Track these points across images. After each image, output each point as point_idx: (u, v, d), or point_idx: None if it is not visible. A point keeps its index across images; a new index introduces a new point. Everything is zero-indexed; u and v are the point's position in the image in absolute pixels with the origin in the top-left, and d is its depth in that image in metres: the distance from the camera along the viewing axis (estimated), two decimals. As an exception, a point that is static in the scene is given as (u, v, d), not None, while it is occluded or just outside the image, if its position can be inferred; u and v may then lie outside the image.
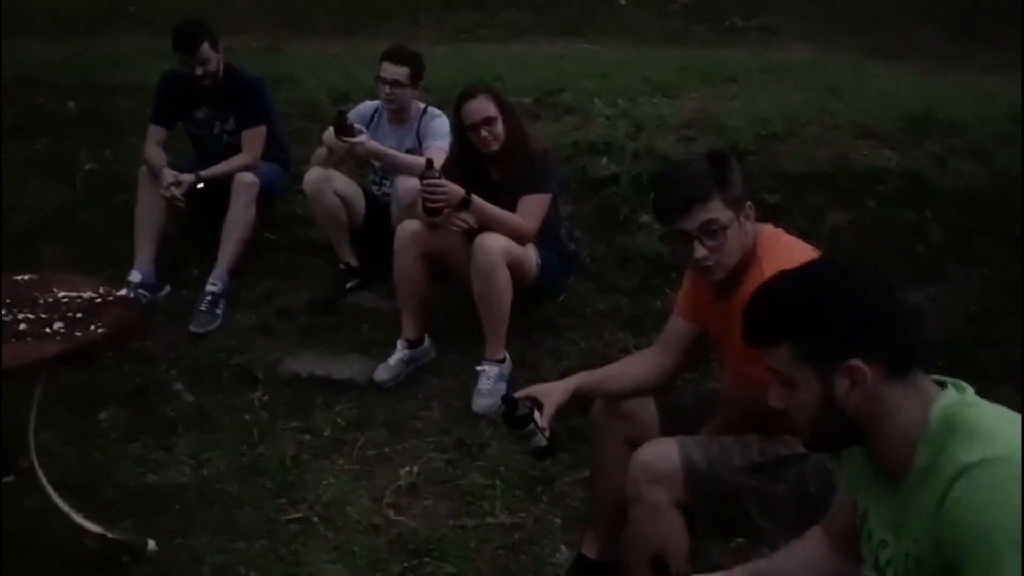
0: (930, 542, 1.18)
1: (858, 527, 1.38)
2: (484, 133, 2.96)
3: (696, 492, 1.84)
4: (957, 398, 1.25)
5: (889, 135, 3.54)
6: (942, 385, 1.28)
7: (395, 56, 3.41)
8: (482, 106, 2.95)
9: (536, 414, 1.92)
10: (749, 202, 1.88)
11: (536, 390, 1.99)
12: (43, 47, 5.53)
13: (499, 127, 2.96)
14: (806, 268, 1.34)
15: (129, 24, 6.42)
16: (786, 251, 1.85)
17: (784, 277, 1.34)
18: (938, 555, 1.17)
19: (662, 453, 1.86)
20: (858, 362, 1.23)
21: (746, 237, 1.87)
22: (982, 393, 1.29)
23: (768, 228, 1.94)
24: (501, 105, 2.99)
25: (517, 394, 1.97)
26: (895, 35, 5.14)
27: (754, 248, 1.87)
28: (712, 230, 1.82)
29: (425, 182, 2.87)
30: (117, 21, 6.51)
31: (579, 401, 2.06)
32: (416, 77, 3.41)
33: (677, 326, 2.09)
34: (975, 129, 3.47)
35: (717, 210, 1.82)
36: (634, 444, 1.94)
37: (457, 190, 2.87)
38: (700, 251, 1.84)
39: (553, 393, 1.98)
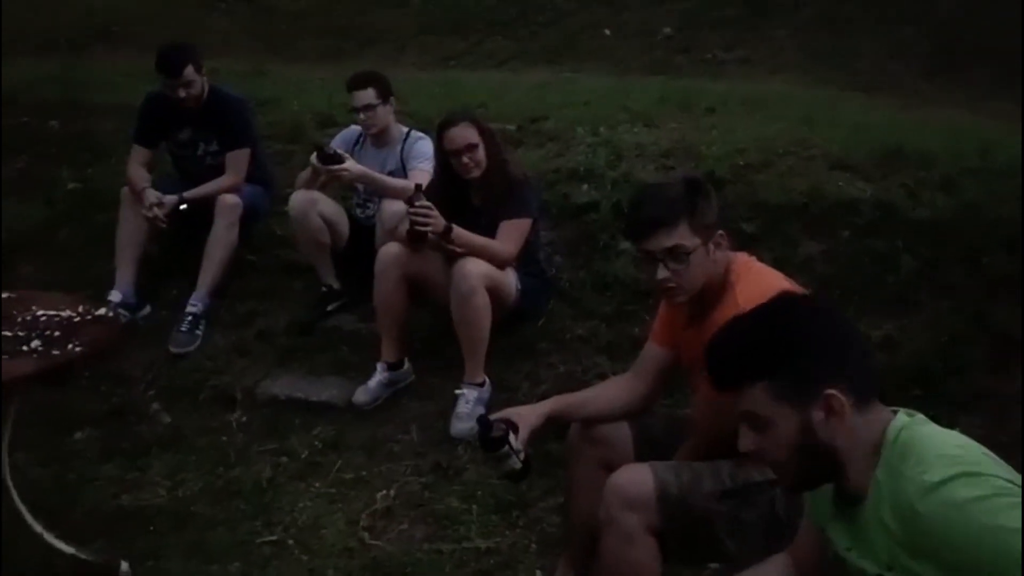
0: (903, 555, 1.21)
1: (828, 556, 1.41)
2: (466, 159, 3.00)
3: (668, 517, 1.85)
4: (907, 421, 1.29)
5: (862, 167, 3.61)
6: (894, 411, 1.32)
7: (358, 82, 3.45)
8: (464, 133, 3.00)
9: (511, 436, 1.93)
10: (721, 231, 1.91)
11: (511, 412, 2.00)
12: (26, 66, 5.54)
13: (480, 154, 3.01)
14: (764, 309, 1.37)
15: (113, 44, 6.45)
16: (759, 279, 1.89)
17: (745, 320, 1.37)
18: (917, 563, 1.20)
19: (636, 478, 1.87)
20: (834, 391, 1.26)
21: (714, 265, 1.90)
22: (949, 421, 1.33)
23: (741, 256, 1.98)
24: (482, 132, 3.03)
25: (492, 416, 1.99)
26: (869, 70, 5.26)
27: (727, 276, 1.90)
28: (677, 254, 1.85)
29: (417, 205, 2.89)
30: (101, 41, 6.54)
31: (554, 425, 2.07)
32: (384, 93, 3.45)
33: (652, 352, 2.12)
34: (945, 162, 3.56)
35: (683, 235, 1.85)
36: (608, 468, 1.96)
37: (442, 219, 2.90)
38: (662, 272, 1.87)
39: (528, 416, 1.99)
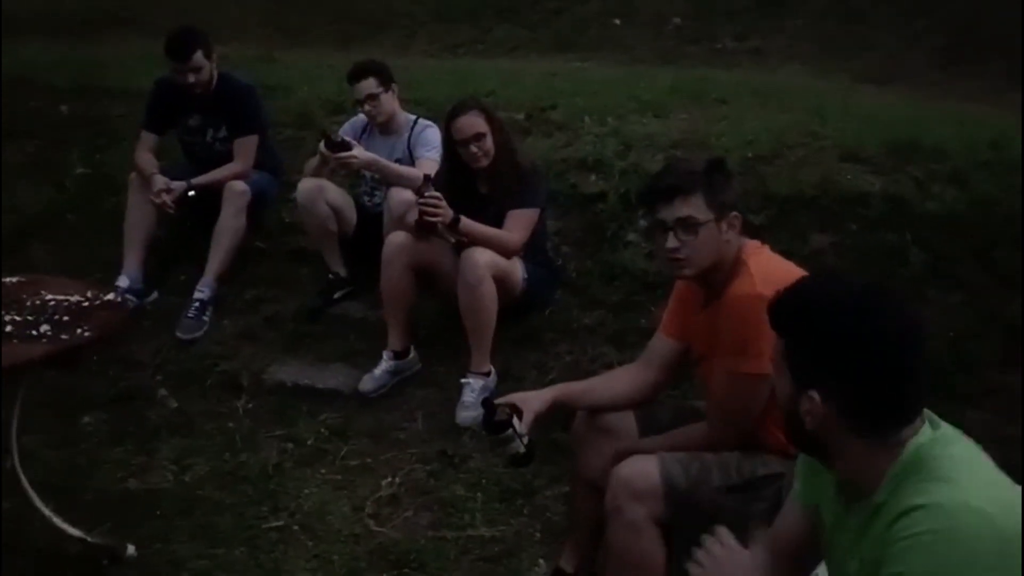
0: (873, 566, 1.21)
1: (824, 541, 1.41)
2: (474, 148, 2.99)
3: (674, 509, 1.86)
4: (929, 437, 1.24)
5: (873, 159, 3.58)
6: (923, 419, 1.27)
7: (357, 73, 3.45)
8: (472, 121, 2.99)
9: (515, 420, 1.94)
10: (736, 213, 1.92)
11: (516, 397, 2.01)
12: (37, 50, 5.54)
13: (489, 143, 3.00)
14: (857, 286, 1.27)
15: (123, 29, 6.45)
16: (771, 258, 1.92)
17: (832, 281, 1.35)
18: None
19: (643, 470, 1.88)
20: (815, 395, 1.25)
21: (725, 245, 1.90)
22: (957, 417, 1.31)
23: (753, 241, 1.99)
24: (491, 121, 3.03)
25: (497, 400, 2.00)
26: (882, 61, 5.22)
27: (739, 255, 1.91)
28: (688, 224, 1.87)
29: (426, 195, 2.89)
30: (112, 25, 6.54)
31: (559, 411, 2.08)
32: (385, 81, 3.45)
33: (661, 343, 2.12)
34: (957, 155, 3.53)
35: (697, 207, 1.87)
36: (613, 458, 1.97)
37: (450, 209, 2.90)
38: (672, 241, 1.89)
39: (533, 401, 2.00)
